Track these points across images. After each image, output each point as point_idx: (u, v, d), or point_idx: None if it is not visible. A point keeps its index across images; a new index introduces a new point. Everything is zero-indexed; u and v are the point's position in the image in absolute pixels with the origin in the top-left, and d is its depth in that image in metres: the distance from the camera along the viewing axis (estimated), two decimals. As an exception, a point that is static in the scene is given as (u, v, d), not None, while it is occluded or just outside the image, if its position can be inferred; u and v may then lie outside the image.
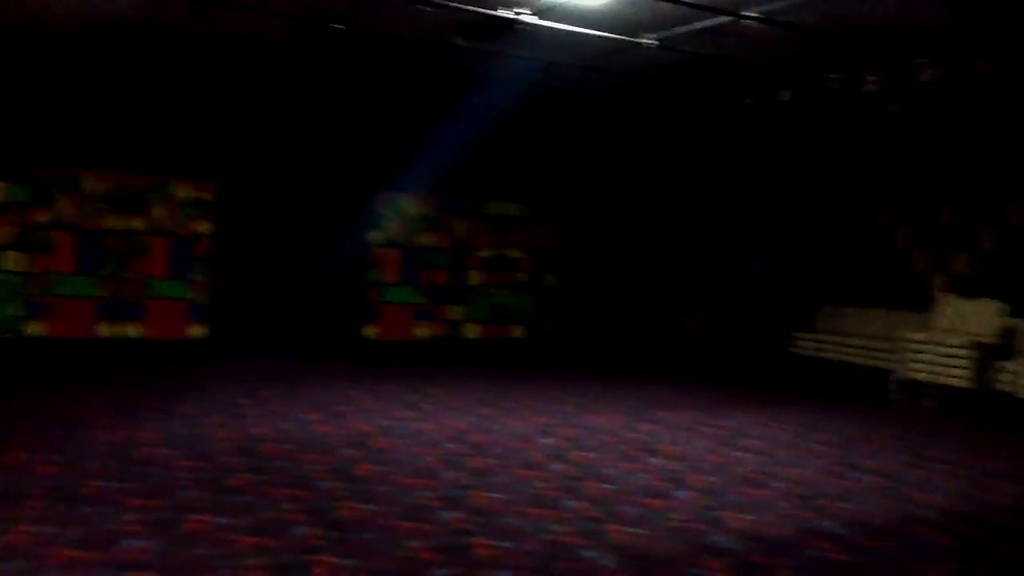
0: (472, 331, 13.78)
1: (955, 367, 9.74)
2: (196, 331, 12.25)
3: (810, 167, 13.22)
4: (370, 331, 13.18)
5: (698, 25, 9.30)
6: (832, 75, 11.13)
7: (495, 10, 8.82)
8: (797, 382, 11.71)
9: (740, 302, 13.76)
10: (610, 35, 9.60)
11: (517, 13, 8.85)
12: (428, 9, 8.60)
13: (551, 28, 9.25)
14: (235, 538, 4.57)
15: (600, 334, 14.23)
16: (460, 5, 8.57)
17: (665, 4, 8.53)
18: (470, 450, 6.92)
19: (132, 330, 11.95)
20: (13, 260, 11.41)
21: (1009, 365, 9.29)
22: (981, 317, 10.03)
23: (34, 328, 11.52)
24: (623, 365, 12.93)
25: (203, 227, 12.32)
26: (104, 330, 11.82)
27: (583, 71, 11.15)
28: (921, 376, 10.13)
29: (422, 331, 13.47)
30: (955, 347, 9.80)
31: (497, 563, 4.42)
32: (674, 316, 14.27)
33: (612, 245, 14.43)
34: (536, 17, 8.95)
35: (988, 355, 9.58)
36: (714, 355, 13.33)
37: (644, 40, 9.64)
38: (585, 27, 9.38)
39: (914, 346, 10.26)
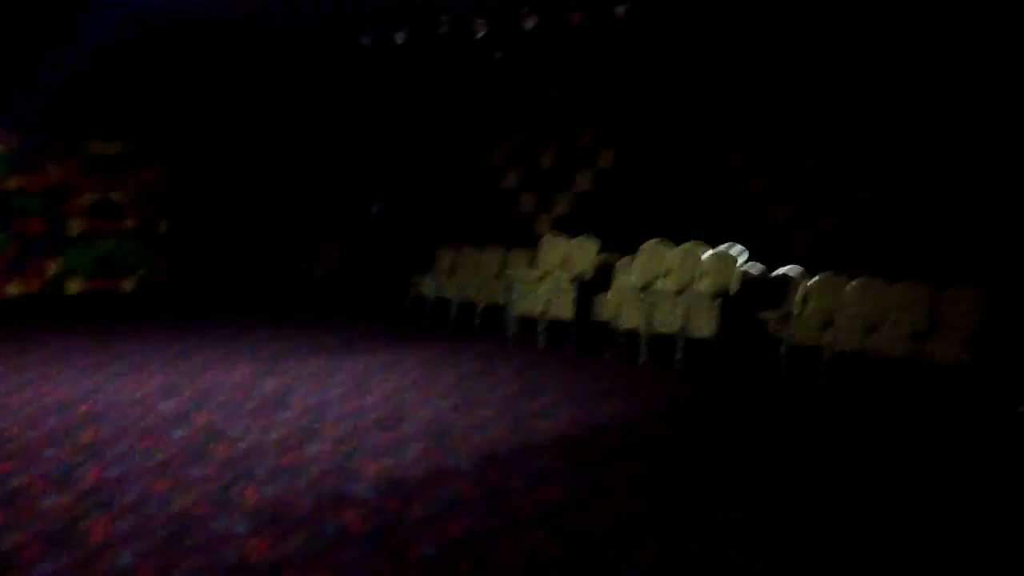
0: (74, 286, 12.45)
1: (560, 301, 10.62)
2: None
3: (428, 110, 13.54)
4: (-55, 291, 11.40)
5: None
6: (443, 17, 11.41)
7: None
8: (420, 323, 12.06)
9: (363, 246, 13.82)
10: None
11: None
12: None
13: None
14: None
15: (220, 283, 13.56)
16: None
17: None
18: (77, 422, 6.24)
19: None
20: None
21: (605, 296, 10.31)
22: (581, 254, 11.02)
23: None
24: (247, 314, 12.45)
25: None
26: None
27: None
28: (532, 311, 10.91)
29: (13, 288, 11.90)
30: (559, 282, 10.67)
31: (115, 546, 4.04)
32: (297, 261, 13.99)
33: (229, 187, 13.73)
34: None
35: (587, 288, 10.56)
36: (339, 300, 13.30)
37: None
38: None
39: (524, 283, 11.01)
